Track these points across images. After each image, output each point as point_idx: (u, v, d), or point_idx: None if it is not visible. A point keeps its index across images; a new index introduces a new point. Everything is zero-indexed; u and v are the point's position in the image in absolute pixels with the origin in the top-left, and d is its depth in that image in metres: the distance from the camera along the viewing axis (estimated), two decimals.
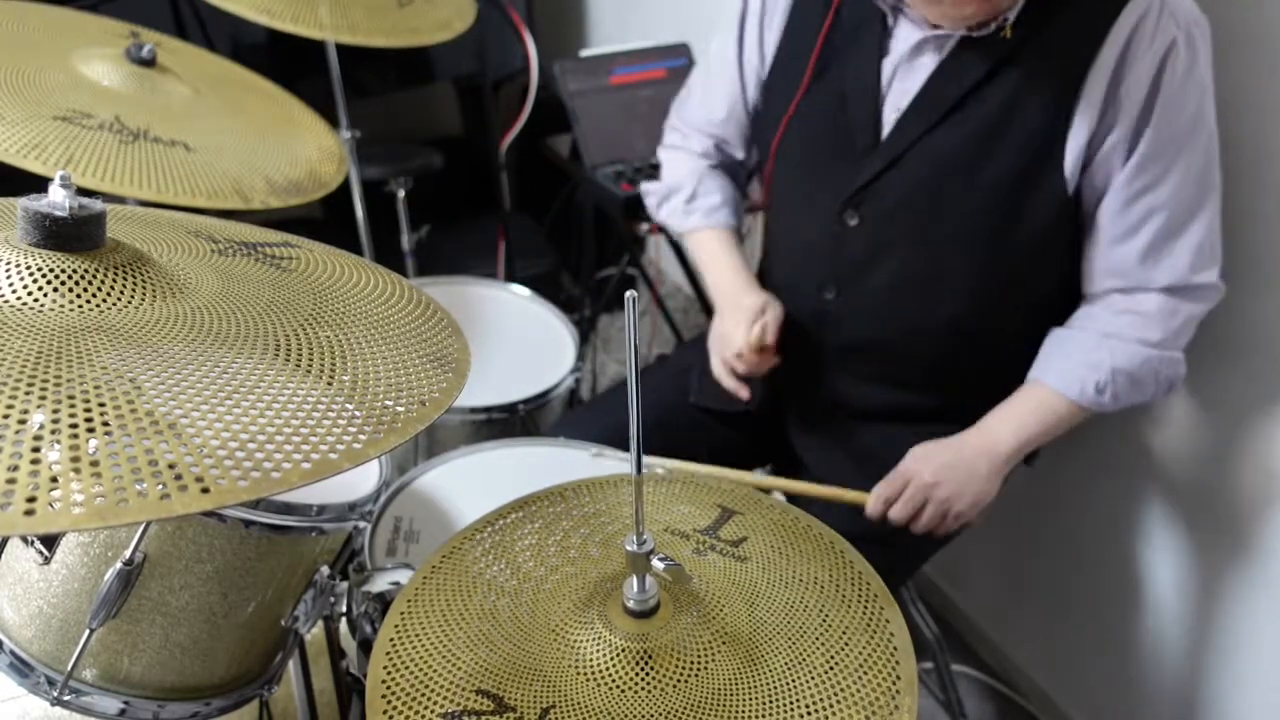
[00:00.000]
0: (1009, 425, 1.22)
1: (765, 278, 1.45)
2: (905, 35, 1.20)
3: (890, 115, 1.21)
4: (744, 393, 1.33)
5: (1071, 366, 1.19)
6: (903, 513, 1.21)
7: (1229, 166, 1.17)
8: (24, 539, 0.85)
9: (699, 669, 0.68)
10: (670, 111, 1.56)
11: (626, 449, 0.68)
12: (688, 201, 1.47)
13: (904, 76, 1.20)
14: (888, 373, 1.31)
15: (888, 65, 1.21)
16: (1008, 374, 1.26)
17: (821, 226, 1.27)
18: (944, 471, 1.20)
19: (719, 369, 1.35)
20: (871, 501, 1.22)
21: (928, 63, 1.18)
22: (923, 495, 1.20)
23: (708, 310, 2.28)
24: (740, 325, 1.30)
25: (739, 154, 1.48)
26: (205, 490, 0.53)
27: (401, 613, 0.74)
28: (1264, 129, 1.20)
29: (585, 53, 1.98)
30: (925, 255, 1.22)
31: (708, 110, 1.46)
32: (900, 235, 1.23)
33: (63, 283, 0.66)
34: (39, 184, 0.73)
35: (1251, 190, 1.22)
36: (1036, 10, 1.11)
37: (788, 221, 1.38)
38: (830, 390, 1.35)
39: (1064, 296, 1.24)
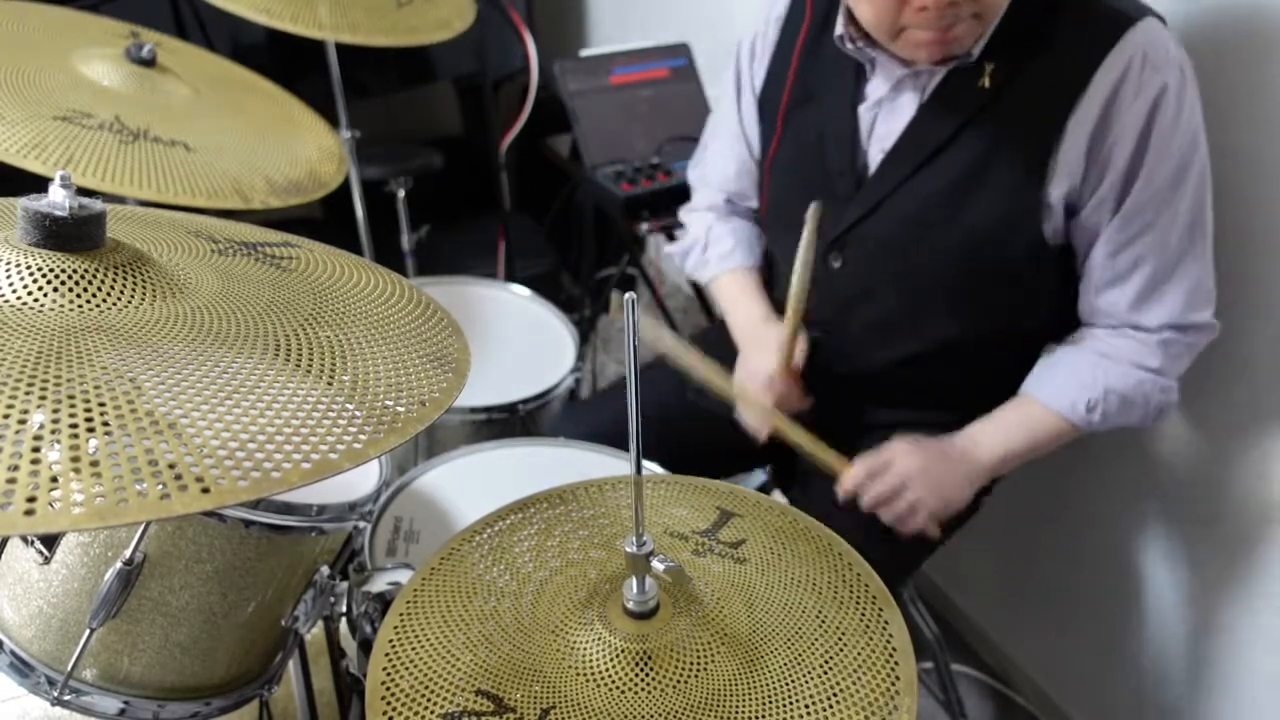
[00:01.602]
0: (994, 437, 1.21)
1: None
2: (881, 80, 1.20)
3: (876, 157, 1.21)
4: (764, 432, 1.30)
5: (1065, 383, 1.19)
6: (877, 491, 1.19)
7: (1223, 187, 1.17)
8: (24, 539, 0.85)
9: (698, 670, 0.68)
10: (688, 169, 1.57)
11: (625, 446, 0.68)
12: (702, 253, 1.48)
13: (886, 119, 1.20)
14: (881, 398, 1.32)
15: (864, 111, 1.21)
16: (1006, 388, 1.26)
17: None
18: (928, 467, 1.19)
19: (744, 408, 1.31)
20: (855, 468, 1.20)
21: (908, 103, 1.18)
22: (901, 481, 1.19)
23: (708, 310, 2.29)
24: (767, 352, 1.28)
25: (754, 204, 1.48)
26: (205, 490, 0.53)
27: (401, 613, 0.74)
28: (1258, 149, 1.20)
29: (585, 53, 1.98)
30: (907, 296, 1.22)
31: (718, 168, 1.47)
32: (882, 278, 1.23)
33: (63, 283, 0.66)
34: (39, 184, 0.73)
35: (1251, 207, 1.22)
36: (1014, 58, 1.11)
37: (777, 263, 1.39)
38: (827, 416, 1.35)
39: (1055, 318, 1.24)
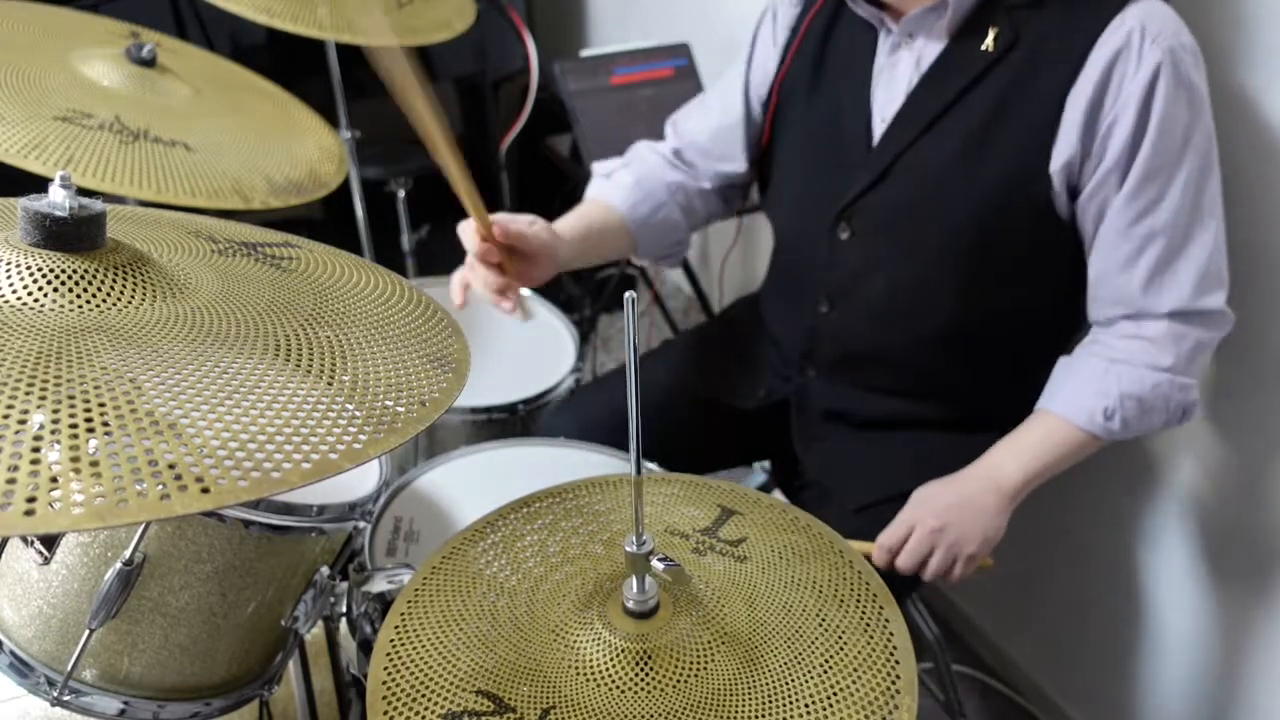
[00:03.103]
0: (1016, 457, 1.18)
1: (767, 289, 1.46)
2: (883, 45, 1.21)
3: (878, 126, 1.21)
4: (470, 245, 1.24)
5: (1079, 393, 1.17)
6: (909, 561, 1.17)
7: (1243, 187, 1.16)
8: (24, 539, 0.85)
9: (698, 669, 0.68)
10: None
11: (621, 439, 0.68)
12: (606, 177, 1.46)
13: (887, 86, 1.21)
14: (885, 382, 1.31)
15: (874, 77, 1.22)
16: (1009, 383, 1.25)
17: (815, 240, 1.27)
18: (949, 513, 1.16)
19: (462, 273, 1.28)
20: (876, 552, 1.18)
21: (905, 69, 1.19)
22: (929, 542, 1.16)
23: (708, 310, 2.29)
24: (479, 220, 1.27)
25: (700, 170, 1.44)
26: (205, 490, 0.53)
27: (402, 613, 0.74)
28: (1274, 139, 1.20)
29: (585, 53, 1.98)
30: (915, 268, 1.21)
31: (694, 119, 1.45)
32: (890, 248, 1.22)
33: (63, 283, 0.66)
34: (39, 184, 0.73)
35: (1270, 208, 1.22)
36: (1015, 23, 1.11)
37: (784, 235, 1.39)
38: (830, 400, 1.35)
39: (1063, 306, 1.24)
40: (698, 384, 1.44)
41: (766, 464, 1.65)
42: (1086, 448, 1.18)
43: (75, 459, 0.53)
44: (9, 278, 0.65)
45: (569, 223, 1.36)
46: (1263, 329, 1.25)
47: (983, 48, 1.12)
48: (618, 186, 1.42)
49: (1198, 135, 1.09)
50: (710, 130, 1.42)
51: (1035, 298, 1.23)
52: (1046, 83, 1.10)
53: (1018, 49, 1.11)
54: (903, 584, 1.33)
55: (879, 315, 1.26)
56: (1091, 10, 1.08)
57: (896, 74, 1.20)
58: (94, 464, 0.53)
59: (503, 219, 1.23)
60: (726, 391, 1.43)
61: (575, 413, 1.41)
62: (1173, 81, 1.06)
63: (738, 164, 1.41)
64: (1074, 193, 1.14)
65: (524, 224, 1.24)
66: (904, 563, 1.18)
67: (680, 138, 1.45)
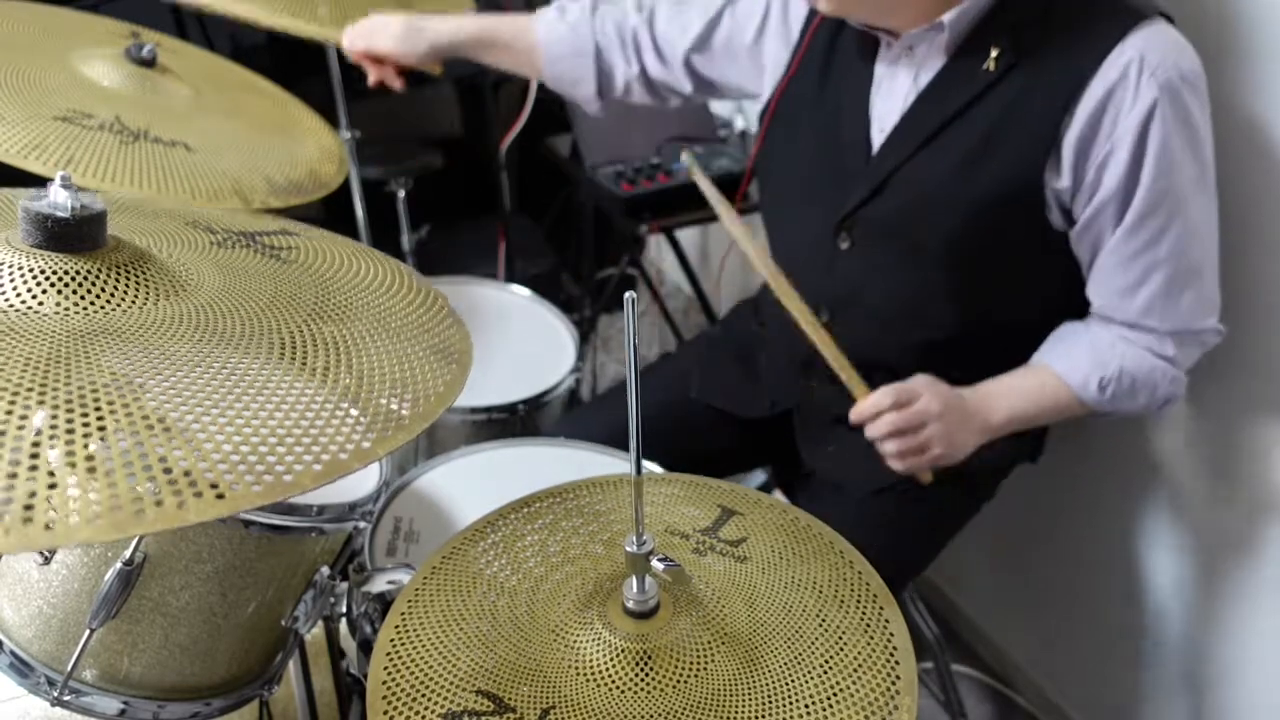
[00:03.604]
0: (1007, 398, 1.20)
1: (767, 297, 1.46)
2: (882, 57, 1.21)
3: (876, 137, 1.21)
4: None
5: (1082, 358, 1.18)
6: (898, 421, 1.15)
7: (1228, 182, 1.16)
8: None
9: (698, 669, 0.68)
10: None
11: (626, 449, 0.68)
12: (562, 11, 1.48)
13: (885, 98, 1.20)
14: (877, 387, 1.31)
15: (873, 88, 1.22)
16: None
17: (814, 249, 1.27)
18: (948, 410, 1.17)
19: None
20: (878, 396, 1.17)
21: (903, 82, 1.18)
22: (922, 419, 1.16)
23: (708, 310, 2.29)
24: (376, 28, 1.47)
25: (644, 55, 1.44)
26: (220, 496, 0.53)
27: (402, 613, 0.74)
28: (1267, 149, 1.20)
29: None
30: (914, 278, 1.22)
31: (660, 18, 1.42)
32: (889, 259, 1.22)
33: (65, 284, 0.66)
34: (39, 186, 0.73)
35: (1260, 205, 1.22)
36: (1017, 44, 1.10)
37: (782, 243, 1.39)
38: (833, 405, 1.35)
39: (1060, 310, 1.24)
40: (701, 394, 1.44)
41: (768, 466, 1.66)
42: (1067, 411, 1.21)
43: (91, 469, 0.53)
44: (10, 281, 0.65)
45: (472, 20, 1.49)
46: (1259, 330, 1.26)
47: (984, 67, 1.11)
48: (555, 21, 1.47)
49: (1196, 166, 1.09)
50: (662, 34, 1.42)
51: (1032, 302, 1.23)
52: (1044, 107, 1.09)
53: (1019, 70, 1.10)
54: (897, 580, 1.34)
55: (879, 323, 1.26)
56: (1095, 36, 1.07)
57: (895, 86, 1.19)
58: (108, 474, 0.53)
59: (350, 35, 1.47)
60: (731, 403, 1.43)
61: (576, 428, 1.41)
62: (1170, 115, 1.05)
63: (677, 80, 1.44)
64: (1066, 213, 1.14)
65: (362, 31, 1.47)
66: (895, 420, 1.16)
67: (645, 23, 1.44)
